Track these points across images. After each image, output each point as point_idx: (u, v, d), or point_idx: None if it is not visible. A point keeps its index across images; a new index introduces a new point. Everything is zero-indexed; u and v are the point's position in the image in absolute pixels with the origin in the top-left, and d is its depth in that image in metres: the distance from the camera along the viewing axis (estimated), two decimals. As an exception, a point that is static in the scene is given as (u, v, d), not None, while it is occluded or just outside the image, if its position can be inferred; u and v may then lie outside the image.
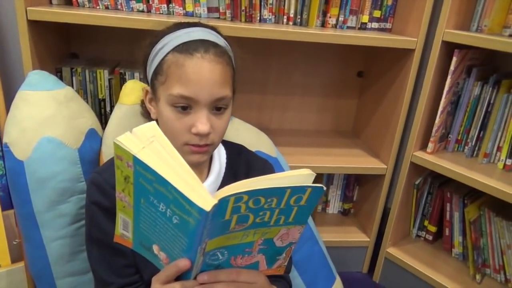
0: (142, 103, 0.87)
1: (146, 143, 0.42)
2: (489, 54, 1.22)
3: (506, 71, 1.24)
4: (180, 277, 0.50)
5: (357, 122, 1.56)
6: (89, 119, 0.94)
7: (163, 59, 0.67)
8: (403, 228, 1.42)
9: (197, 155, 0.69)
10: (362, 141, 1.49)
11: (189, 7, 1.13)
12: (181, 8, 1.14)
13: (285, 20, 1.20)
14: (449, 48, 1.13)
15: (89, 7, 1.11)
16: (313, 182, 0.44)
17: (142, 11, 1.13)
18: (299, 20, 1.21)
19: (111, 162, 0.77)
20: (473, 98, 1.20)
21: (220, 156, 0.81)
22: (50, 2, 1.09)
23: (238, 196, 0.40)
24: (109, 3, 1.11)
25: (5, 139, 0.83)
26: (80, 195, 0.88)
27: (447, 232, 1.33)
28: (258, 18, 1.17)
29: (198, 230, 0.42)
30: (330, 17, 1.23)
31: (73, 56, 1.28)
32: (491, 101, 1.17)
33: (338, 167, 1.27)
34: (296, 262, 1.00)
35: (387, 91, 1.32)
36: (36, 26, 0.97)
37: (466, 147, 1.25)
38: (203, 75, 0.64)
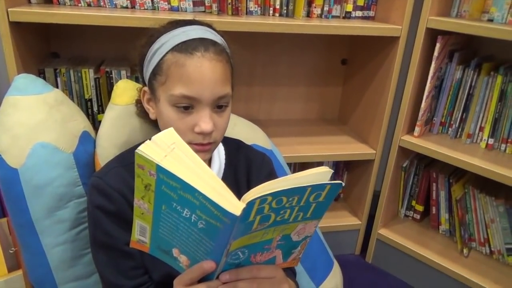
0: (137, 103, 0.86)
1: (168, 151, 0.42)
2: (468, 38, 1.26)
3: (485, 54, 1.29)
4: (203, 278, 0.51)
5: (342, 109, 1.59)
6: (81, 122, 0.92)
7: (161, 59, 0.67)
8: (392, 209, 1.47)
9: (201, 153, 0.69)
10: (349, 128, 1.52)
11: (174, 2, 1.11)
12: (166, 3, 1.11)
13: (271, 12, 1.20)
14: (433, 34, 1.16)
15: (70, 5, 1.07)
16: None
17: (126, 7, 1.10)
18: (285, 11, 1.21)
19: (110, 165, 0.77)
20: (455, 81, 1.24)
21: (219, 153, 0.81)
22: (29, 1, 1.04)
23: (263, 198, 0.41)
24: (91, 0, 1.07)
25: (-4, 147, 0.81)
26: (78, 200, 0.86)
27: (434, 210, 1.39)
28: (245, 10, 1.16)
29: (226, 234, 0.43)
30: (315, 7, 1.24)
31: (54, 55, 1.24)
32: (473, 84, 1.22)
33: (330, 155, 1.30)
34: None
35: (373, 78, 1.35)
36: (17, 27, 0.93)
37: (450, 128, 1.30)
38: (205, 74, 0.64)
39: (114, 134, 0.91)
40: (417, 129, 1.26)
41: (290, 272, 0.79)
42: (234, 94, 0.72)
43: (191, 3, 1.12)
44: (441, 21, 1.12)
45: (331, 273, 1.12)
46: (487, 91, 1.19)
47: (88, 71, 1.12)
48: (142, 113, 0.84)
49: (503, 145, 1.20)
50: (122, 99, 0.91)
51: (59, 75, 1.11)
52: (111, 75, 1.14)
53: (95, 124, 1.15)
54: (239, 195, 0.45)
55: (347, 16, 1.29)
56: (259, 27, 1.06)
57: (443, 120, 1.30)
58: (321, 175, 0.45)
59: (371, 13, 1.31)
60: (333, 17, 1.27)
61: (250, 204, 0.41)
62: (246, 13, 1.18)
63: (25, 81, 0.86)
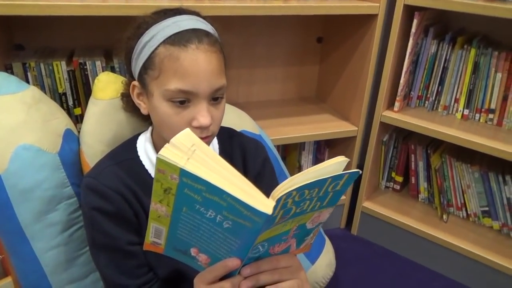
0: (123, 96, 0.82)
1: (189, 154, 0.41)
2: (440, 12, 1.29)
3: (457, 27, 1.33)
4: (226, 275, 0.51)
5: (320, 87, 1.60)
6: (63, 120, 0.88)
7: (153, 52, 0.64)
8: (373, 182, 1.52)
9: (199, 147, 0.68)
10: (328, 106, 1.54)
11: (148, -15, 1.06)
12: (139, -13, 1.05)
13: (247, -7, 1.16)
14: (409, 10, 1.18)
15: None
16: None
17: (96, -7, 1.03)
18: (261, -9, 1.18)
19: (103, 163, 0.74)
20: (431, 55, 1.28)
21: (212, 143, 0.80)
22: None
23: (289, 193, 0.42)
24: (57, -13, 1.00)
25: (-26, 154, 0.76)
26: (68, 201, 0.83)
27: (413, 180, 1.46)
28: (222, -8, 1.12)
29: (255, 232, 0.43)
30: (291, -14, 1.22)
31: (18, 47, 1.15)
32: (447, 57, 1.25)
33: (315, 134, 1.31)
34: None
35: (351, 56, 1.36)
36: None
37: (426, 101, 1.35)
38: (201, 67, 0.62)
39: (99, 130, 0.88)
40: (396, 104, 1.29)
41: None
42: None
43: (166, -14, 1.07)
44: (418, -3, 1.14)
45: (324, 249, 1.15)
46: (461, 63, 1.23)
47: (60, 63, 1.06)
48: (130, 107, 0.81)
49: (477, 115, 1.27)
50: (106, 93, 0.87)
51: (28, 69, 1.04)
52: (85, 67, 1.08)
53: (72, 118, 1.09)
54: None
55: (324, -7, 1.27)
56: (240, 10, 1.03)
57: (420, 94, 1.35)
58: (339, 164, 0.46)
59: (346, -10, 1.31)
60: (310, -5, 1.26)
61: (278, 201, 0.41)
62: (223, -5, 1.14)
63: (-3, 80, 0.80)
